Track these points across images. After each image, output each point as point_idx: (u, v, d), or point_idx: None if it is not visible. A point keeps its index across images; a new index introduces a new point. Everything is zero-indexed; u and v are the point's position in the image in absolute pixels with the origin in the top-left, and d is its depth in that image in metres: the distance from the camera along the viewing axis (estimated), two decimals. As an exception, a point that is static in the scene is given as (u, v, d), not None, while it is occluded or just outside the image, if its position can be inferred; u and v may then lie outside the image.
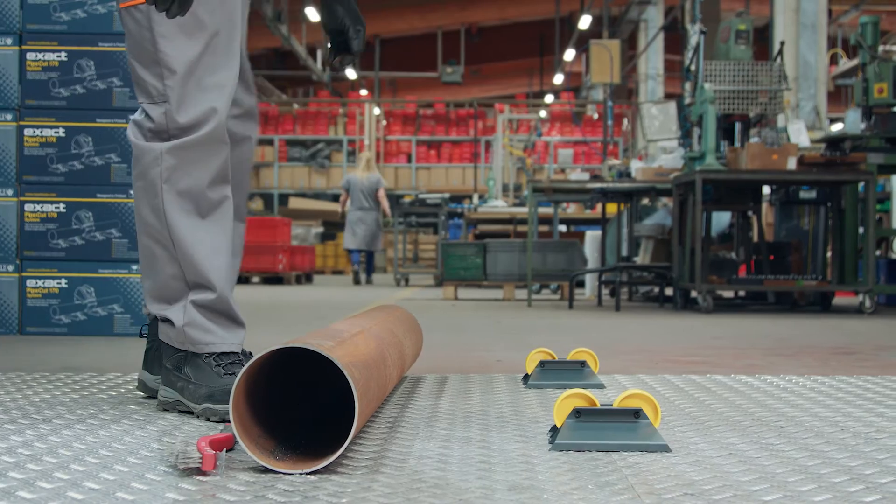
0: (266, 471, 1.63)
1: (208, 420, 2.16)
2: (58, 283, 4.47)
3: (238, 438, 1.61)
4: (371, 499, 1.47)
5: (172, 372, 2.28)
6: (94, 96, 4.47)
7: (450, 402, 2.47)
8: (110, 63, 4.48)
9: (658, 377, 3.05)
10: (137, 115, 2.30)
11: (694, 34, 7.93)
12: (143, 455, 1.77)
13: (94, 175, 4.47)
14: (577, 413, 1.89)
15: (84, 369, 3.13)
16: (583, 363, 2.80)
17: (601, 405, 1.92)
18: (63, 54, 4.48)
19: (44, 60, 4.47)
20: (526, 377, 2.84)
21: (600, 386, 2.75)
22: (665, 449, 1.86)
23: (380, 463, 1.72)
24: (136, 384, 2.53)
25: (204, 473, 1.60)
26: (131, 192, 4.44)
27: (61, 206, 4.47)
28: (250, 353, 2.30)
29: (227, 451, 1.77)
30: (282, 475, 1.61)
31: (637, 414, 1.89)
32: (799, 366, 3.53)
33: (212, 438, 1.68)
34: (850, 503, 1.47)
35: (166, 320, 2.31)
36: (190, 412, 2.24)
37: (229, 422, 1.67)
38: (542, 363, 2.80)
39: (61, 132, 4.47)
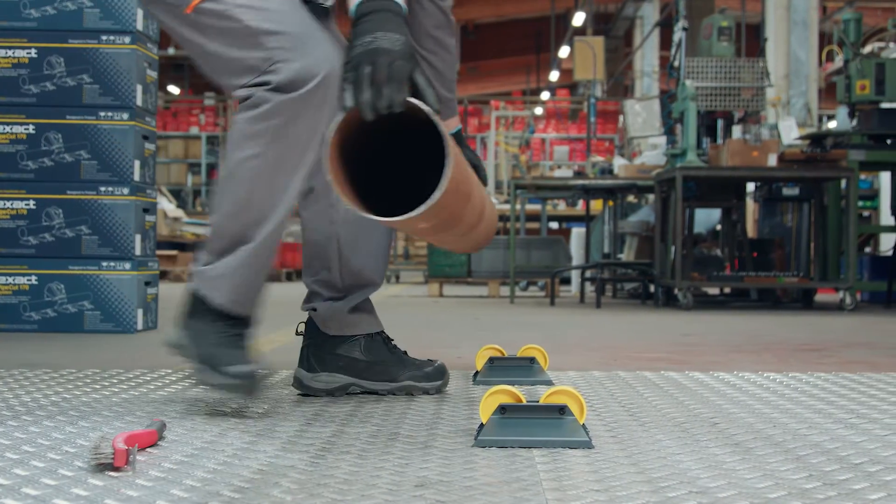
0: (179, 464, 1.64)
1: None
2: (28, 280, 4.48)
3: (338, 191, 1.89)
4: (274, 495, 1.47)
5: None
6: (64, 93, 4.48)
7: (391, 397, 2.48)
8: (80, 60, 4.49)
9: (611, 373, 3.05)
10: (248, 95, 2.11)
11: (677, 31, 7.93)
12: (64, 451, 1.78)
13: (64, 172, 4.48)
14: (502, 409, 1.90)
15: (41, 366, 3.13)
16: (532, 360, 2.80)
17: (528, 401, 1.93)
18: (33, 51, 4.49)
19: (14, 57, 4.48)
20: (477, 374, 2.85)
21: (548, 382, 2.76)
22: (588, 445, 1.86)
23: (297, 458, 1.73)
24: (292, 382, 2.54)
25: (117, 469, 1.61)
26: (103, 188, 4.46)
27: (31, 202, 4.48)
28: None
29: (149, 448, 1.78)
30: (195, 474, 1.61)
31: (562, 410, 1.89)
32: (758, 362, 3.54)
33: (129, 435, 1.69)
34: (756, 499, 1.47)
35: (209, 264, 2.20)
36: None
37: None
38: (490, 360, 2.80)
39: (31, 129, 4.48)
